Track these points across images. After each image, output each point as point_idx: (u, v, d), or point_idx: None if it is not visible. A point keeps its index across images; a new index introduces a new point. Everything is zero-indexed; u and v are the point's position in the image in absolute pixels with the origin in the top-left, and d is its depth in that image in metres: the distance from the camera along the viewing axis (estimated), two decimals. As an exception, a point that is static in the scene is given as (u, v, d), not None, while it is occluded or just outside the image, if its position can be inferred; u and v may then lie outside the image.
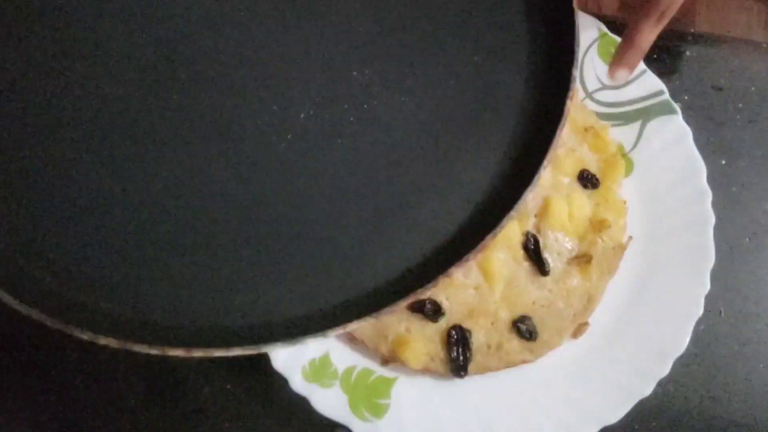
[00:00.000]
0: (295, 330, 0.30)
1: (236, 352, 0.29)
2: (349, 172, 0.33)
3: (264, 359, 0.44)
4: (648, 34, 0.46)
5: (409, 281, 0.32)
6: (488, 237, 0.31)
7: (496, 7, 0.36)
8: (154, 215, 0.32)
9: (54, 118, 0.34)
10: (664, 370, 0.45)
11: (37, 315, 0.30)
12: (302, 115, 0.34)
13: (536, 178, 0.32)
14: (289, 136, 0.34)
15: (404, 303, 0.31)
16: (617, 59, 0.47)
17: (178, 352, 0.29)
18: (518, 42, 0.36)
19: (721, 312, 0.50)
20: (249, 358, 0.47)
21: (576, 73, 0.33)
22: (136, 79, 0.34)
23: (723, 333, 0.50)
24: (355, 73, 0.35)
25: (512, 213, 0.31)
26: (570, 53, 0.34)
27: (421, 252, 0.33)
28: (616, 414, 0.44)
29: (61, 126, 0.34)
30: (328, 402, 0.44)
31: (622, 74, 0.47)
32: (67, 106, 0.34)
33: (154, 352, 0.29)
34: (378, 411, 0.44)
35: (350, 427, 0.44)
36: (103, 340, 0.29)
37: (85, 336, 0.30)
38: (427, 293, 0.32)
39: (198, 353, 0.29)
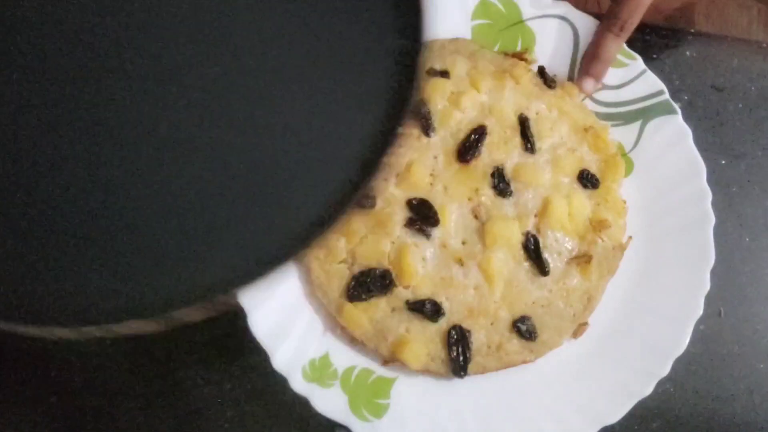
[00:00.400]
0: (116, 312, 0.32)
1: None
2: (224, 155, 0.34)
3: (264, 359, 0.44)
4: (610, 46, 0.48)
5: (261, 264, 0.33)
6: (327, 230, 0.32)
7: None
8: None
9: None
10: (664, 370, 0.45)
11: None
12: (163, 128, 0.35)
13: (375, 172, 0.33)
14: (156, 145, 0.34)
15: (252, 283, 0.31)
16: (584, 70, 0.50)
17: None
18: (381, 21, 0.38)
19: (721, 312, 0.50)
20: (249, 359, 0.47)
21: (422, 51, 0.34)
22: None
23: (723, 333, 0.50)
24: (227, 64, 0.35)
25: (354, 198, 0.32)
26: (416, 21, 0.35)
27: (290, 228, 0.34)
28: (616, 414, 0.44)
29: None
30: (328, 402, 0.44)
31: (589, 84, 0.51)
32: None
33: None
34: (378, 411, 0.44)
35: (350, 427, 0.44)
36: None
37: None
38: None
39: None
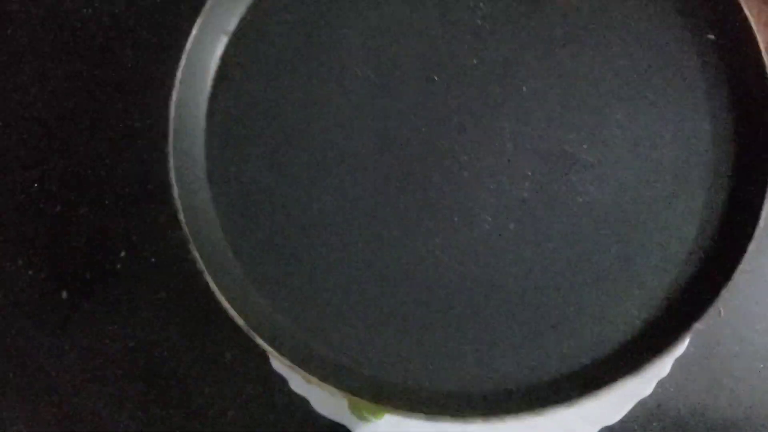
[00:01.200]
0: (536, 399, 0.34)
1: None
2: (568, 242, 0.36)
3: (264, 360, 0.44)
4: None
5: (642, 347, 0.35)
6: (716, 299, 0.34)
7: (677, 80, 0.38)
8: (405, 293, 0.37)
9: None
10: (664, 370, 0.45)
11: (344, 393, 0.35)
12: (525, 194, 0.37)
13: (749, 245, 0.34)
14: (514, 215, 0.37)
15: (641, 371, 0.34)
16: None
17: (477, 419, 0.33)
18: (702, 113, 0.38)
19: (721, 312, 0.50)
20: (249, 359, 0.47)
21: None
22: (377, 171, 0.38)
23: (723, 333, 0.50)
24: (565, 147, 0.38)
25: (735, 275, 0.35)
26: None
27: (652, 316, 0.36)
28: (616, 414, 0.44)
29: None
30: (327, 402, 0.44)
31: None
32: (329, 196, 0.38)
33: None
34: (378, 411, 0.44)
35: (350, 427, 0.44)
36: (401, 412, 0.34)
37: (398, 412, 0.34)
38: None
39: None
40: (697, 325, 0.34)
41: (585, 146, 0.37)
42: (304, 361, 0.35)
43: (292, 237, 0.37)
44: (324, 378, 0.34)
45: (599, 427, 0.44)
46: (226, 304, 0.34)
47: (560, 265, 0.36)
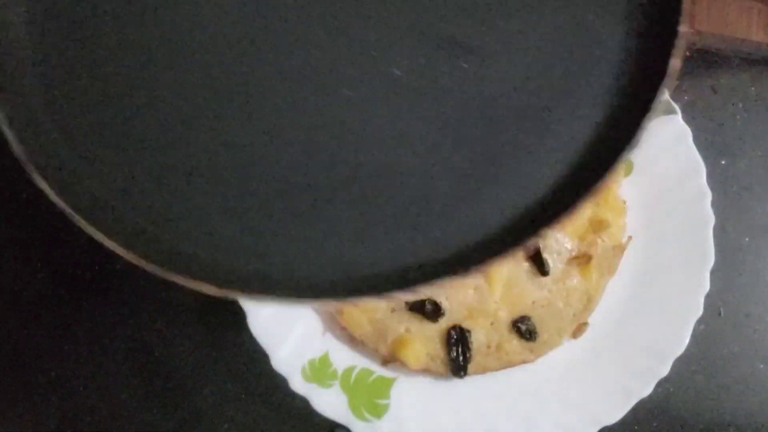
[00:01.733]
0: (383, 285, 0.30)
1: (330, 303, 0.30)
2: (444, 126, 0.33)
3: (264, 359, 0.44)
4: None
5: (511, 235, 0.31)
6: (588, 194, 0.30)
7: None
8: (256, 171, 0.32)
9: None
10: (664, 370, 0.45)
11: (151, 267, 0.29)
12: (396, 71, 0.33)
13: (638, 134, 0.31)
14: (381, 92, 0.33)
15: (502, 258, 0.30)
16: None
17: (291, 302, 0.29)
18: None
19: (721, 312, 0.50)
20: (249, 359, 0.47)
21: (683, 29, 0.32)
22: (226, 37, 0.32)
23: (723, 333, 0.50)
24: (452, 32, 0.33)
25: (614, 168, 0.30)
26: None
27: (520, 207, 0.32)
28: (616, 414, 0.44)
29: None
30: (327, 402, 0.44)
31: None
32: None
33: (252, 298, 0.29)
34: (378, 411, 0.44)
35: (350, 427, 0.44)
36: (205, 288, 0.28)
37: (187, 284, 0.29)
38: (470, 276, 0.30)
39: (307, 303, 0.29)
40: (599, 185, 0.31)
41: (473, 33, 0.33)
42: (102, 221, 0.30)
43: (114, 82, 0.32)
44: (128, 246, 0.30)
45: (599, 426, 0.44)
46: (18, 150, 0.30)
47: (431, 147, 0.32)
